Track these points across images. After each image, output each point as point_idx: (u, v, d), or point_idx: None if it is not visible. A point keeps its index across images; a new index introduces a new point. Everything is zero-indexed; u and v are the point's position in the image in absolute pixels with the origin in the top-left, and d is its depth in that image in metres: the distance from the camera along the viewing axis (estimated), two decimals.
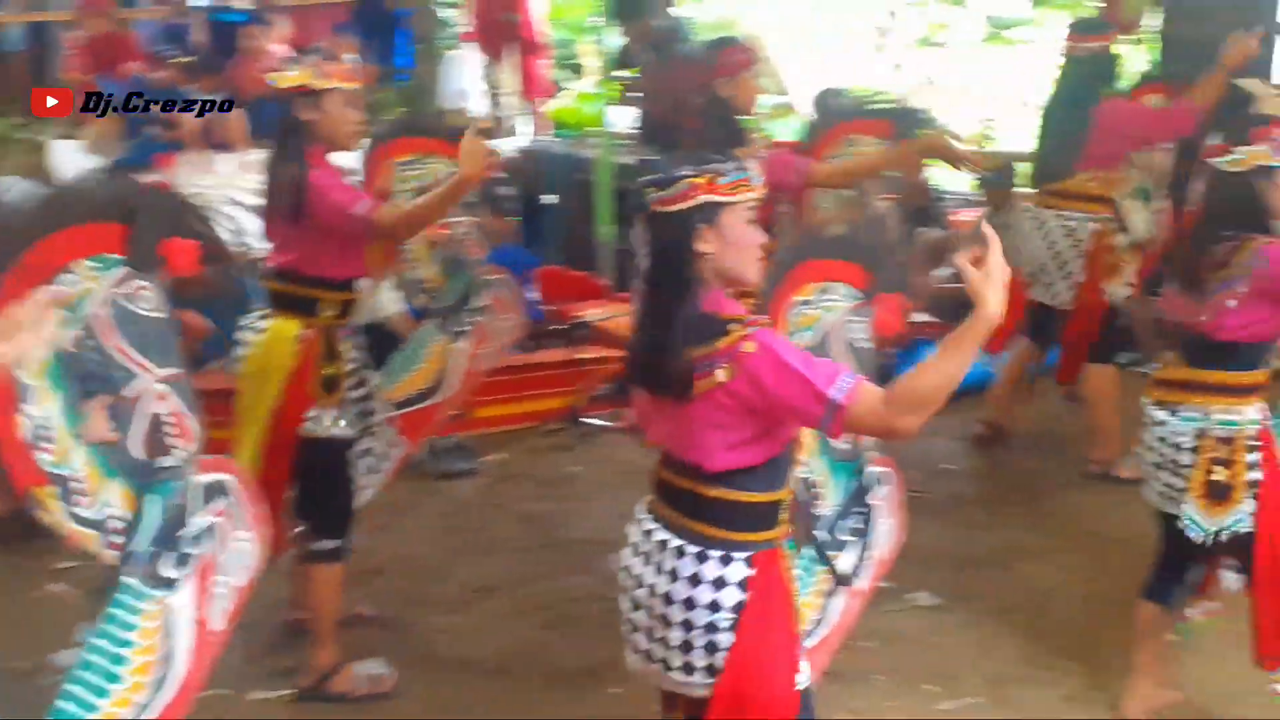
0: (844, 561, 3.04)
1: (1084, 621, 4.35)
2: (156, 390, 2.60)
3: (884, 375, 2.68)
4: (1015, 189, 7.78)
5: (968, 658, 4.14)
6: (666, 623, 2.61)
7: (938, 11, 15.13)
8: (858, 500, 3.05)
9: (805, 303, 2.93)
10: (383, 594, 4.48)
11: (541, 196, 8.64)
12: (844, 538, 3.05)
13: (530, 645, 4.25)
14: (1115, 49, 5.52)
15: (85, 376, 2.48)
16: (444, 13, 11.75)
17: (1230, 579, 3.63)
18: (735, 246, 2.54)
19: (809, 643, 2.90)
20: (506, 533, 5.10)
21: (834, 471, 3.03)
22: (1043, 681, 4.00)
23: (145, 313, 2.58)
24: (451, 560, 4.85)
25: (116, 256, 2.53)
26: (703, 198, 2.50)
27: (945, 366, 2.40)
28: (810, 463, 2.95)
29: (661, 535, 2.65)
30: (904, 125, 4.60)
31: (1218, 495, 3.44)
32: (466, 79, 11.41)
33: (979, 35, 15.11)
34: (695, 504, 2.61)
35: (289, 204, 3.65)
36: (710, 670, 2.60)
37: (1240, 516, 3.46)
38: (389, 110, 10.99)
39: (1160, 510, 3.64)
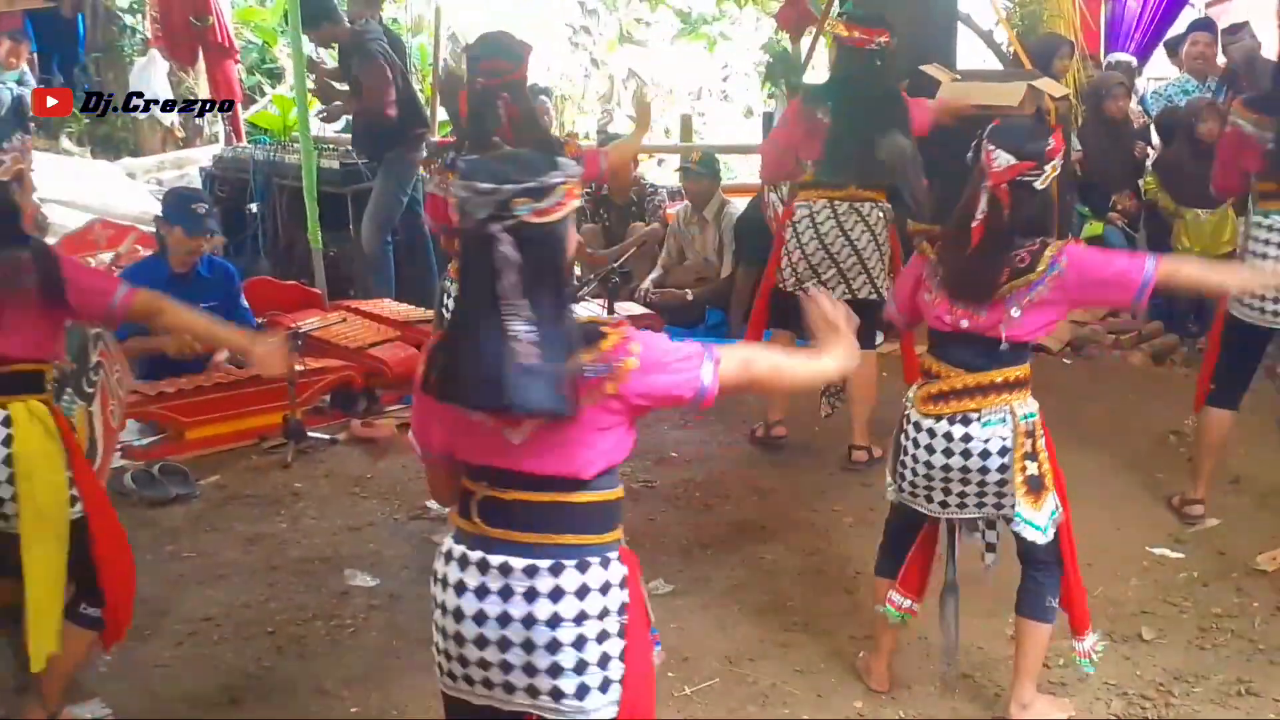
0: None
1: (810, 596, 4.49)
2: None
3: None
4: (719, 182, 8.01)
5: (704, 640, 4.21)
6: (554, 648, 2.44)
7: (635, 9, 15.38)
8: None
9: None
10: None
11: (245, 204, 8.37)
12: None
13: (261, 672, 4.08)
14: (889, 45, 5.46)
15: None
16: (129, 18, 11.21)
17: (989, 557, 3.72)
18: (574, 247, 2.52)
19: None
20: (228, 557, 4.89)
21: None
22: (775, 656, 4.11)
23: None
24: (171, 591, 4.61)
25: None
26: (571, 203, 2.43)
27: (795, 385, 2.83)
28: None
29: (517, 561, 2.46)
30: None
31: (1036, 489, 3.49)
32: (157, 86, 10.94)
33: (673, 31, 15.45)
34: (561, 516, 2.47)
35: (26, 290, 3.39)
36: (605, 684, 2.49)
37: (1056, 506, 3.53)
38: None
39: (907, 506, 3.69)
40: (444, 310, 4.65)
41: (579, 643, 2.45)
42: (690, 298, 7.57)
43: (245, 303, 6.38)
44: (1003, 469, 3.47)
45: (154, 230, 6.42)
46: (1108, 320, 7.32)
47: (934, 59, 6.37)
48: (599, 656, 2.47)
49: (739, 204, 7.86)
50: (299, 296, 7.21)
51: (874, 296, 5.45)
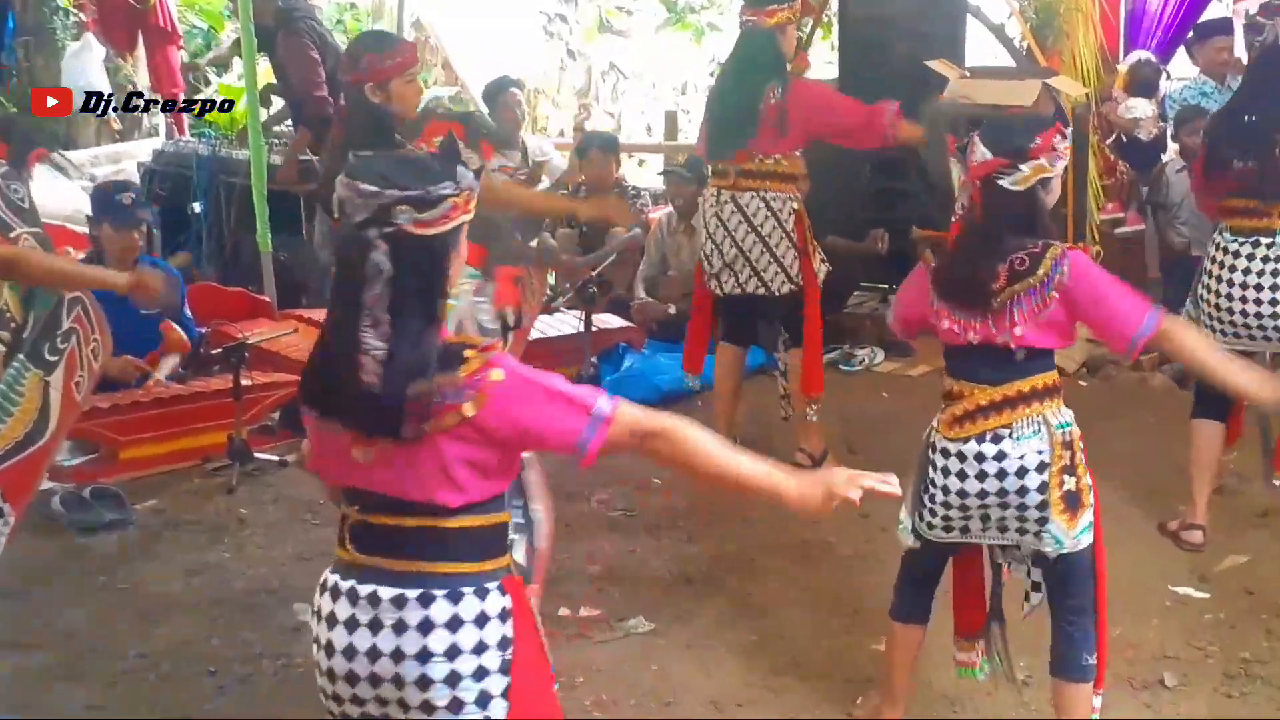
0: (517, 556, 3.06)
1: (802, 635, 4.50)
2: None
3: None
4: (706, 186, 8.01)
5: (686, 683, 4.20)
6: (424, 684, 2.46)
7: None
8: (515, 493, 3.01)
9: None
10: (27, 671, 4.22)
11: (187, 204, 8.36)
12: (512, 535, 3.06)
13: (202, 715, 4.08)
14: (791, 24, 5.65)
15: None
16: None
17: (1034, 598, 3.69)
18: (460, 265, 2.54)
19: None
20: (167, 590, 4.88)
21: None
22: (764, 701, 4.11)
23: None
24: (104, 626, 4.60)
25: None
26: (460, 218, 2.46)
27: (722, 473, 2.58)
28: None
29: (386, 591, 2.48)
30: (471, 130, 4.84)
31: (1073, 506, 3.45)
32: (92, 73, 10.90)
33: (658, 20, 15.47)
34: (433, 543, 2.49)
35: None
36: None
37: (1088, 524, 3.50)
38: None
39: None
40: None
41: (452, 679, 2.47)
42: (673, 311, 7.55)
43: (189, 311, 6.38)
44: (1042, 487, 3.42)
45: (87, 232, 6.42)
46: None
47: (940, 54, 6.40)
48: (476, 694, 2.49)
49: None
50: (246, 305, 7.20)
51: (762, 291, 5.64)
